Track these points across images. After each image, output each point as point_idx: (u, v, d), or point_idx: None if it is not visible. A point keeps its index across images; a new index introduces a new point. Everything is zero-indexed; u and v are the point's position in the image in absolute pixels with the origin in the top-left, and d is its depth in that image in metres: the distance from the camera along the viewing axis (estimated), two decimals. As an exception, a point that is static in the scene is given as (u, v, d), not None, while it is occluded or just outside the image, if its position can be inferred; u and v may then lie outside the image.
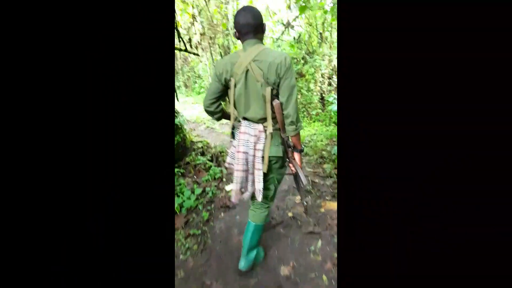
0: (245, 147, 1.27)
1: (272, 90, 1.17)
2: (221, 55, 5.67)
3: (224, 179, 2.68)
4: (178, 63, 9.09)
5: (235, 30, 1.21)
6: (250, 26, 1.16)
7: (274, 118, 1.24)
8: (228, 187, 2.51)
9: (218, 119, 1.43)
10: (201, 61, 6.93)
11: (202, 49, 6.12)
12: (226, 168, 2.76)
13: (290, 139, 1.32)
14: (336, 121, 3.96)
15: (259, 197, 1.31)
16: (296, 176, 1.42)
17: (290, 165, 1.38)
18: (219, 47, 5.59)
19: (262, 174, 1.30)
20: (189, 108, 6.83)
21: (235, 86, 1.23)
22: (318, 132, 3.97)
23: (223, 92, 1.31)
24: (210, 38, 5.49)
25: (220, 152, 3.17)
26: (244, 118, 1.30)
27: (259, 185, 1.30)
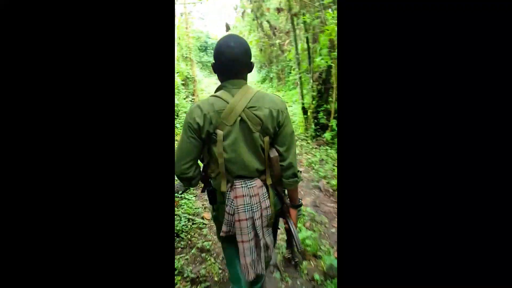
0: (248, 213, 1.02)
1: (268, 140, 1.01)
2: (307, 43, 3.77)
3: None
4: (272, 51, 7.55)
5: (213, 62, 1.01)
6: (240, 64, 0.97)
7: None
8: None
9: (195, 184, 1.10)
10: (284, 50, 5.13)
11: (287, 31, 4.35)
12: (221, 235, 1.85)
13: (285, 193, 1.14)
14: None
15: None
16: (288, 232, 1.21)
17: (284, 221, 1.18)
18: (306, 26, 3.70)
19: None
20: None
21: (223, 139, 0.98)
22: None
23: (201, 149, 1.03)
24: (292, 12, 3.65)
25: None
26: (236, 177, 1.03)
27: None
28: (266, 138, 0.99)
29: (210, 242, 1.94)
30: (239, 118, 0.96)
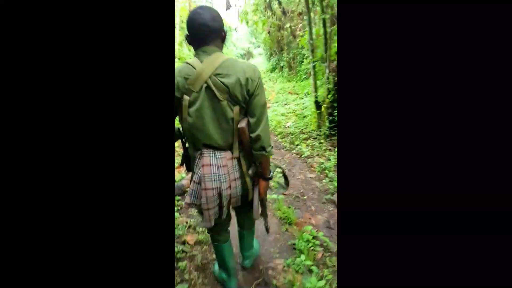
0: (215, 183, 1.02)
1: (240, 110, 0.99)
2: (324, 26, 3.16)
3: None
4: (282, 35, 6.91)
5: (186, 34, 1.00)
6: (208, 29, 0.96)
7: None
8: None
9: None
10: (296, 36, 4.53)
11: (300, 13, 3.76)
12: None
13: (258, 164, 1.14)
14: None
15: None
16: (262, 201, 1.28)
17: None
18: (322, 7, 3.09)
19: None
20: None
21: (189, 106, 0.97)
22: None
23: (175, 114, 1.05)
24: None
25: None
26: (205, 146, 1.02)
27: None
28: (236, 108, 0.97)
29: (187, 285, 1.44)
30: (205, 85, 0.94)
